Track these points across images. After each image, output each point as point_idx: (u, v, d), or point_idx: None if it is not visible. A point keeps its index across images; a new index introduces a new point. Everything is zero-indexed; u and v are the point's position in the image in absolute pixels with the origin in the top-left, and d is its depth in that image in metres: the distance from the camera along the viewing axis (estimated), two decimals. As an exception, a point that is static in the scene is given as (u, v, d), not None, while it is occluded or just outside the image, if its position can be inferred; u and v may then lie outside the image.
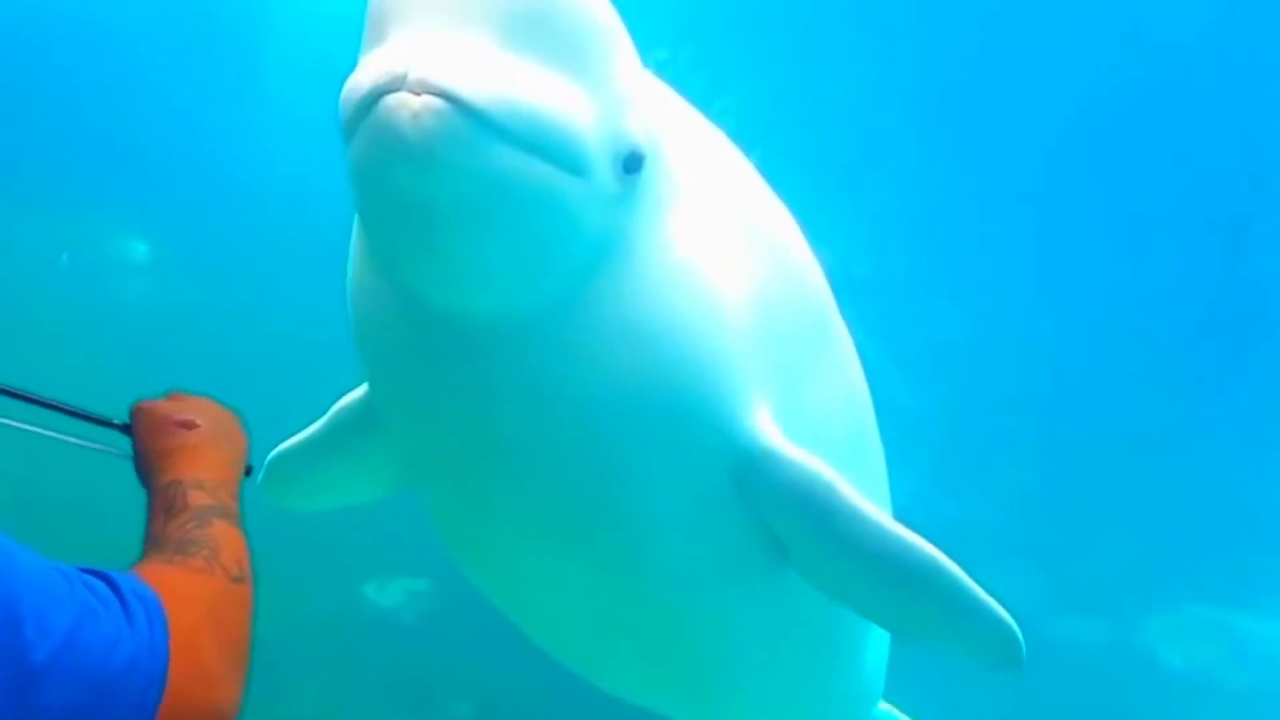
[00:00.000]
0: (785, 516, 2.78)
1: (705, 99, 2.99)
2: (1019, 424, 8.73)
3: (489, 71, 2.22)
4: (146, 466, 2.10)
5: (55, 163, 8.08)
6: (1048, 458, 8.63)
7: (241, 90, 8.90)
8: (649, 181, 2.49)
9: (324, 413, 3.31)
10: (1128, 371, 8.73)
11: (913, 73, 8.92)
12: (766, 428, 2.71)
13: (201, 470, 2.04)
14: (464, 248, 2.34)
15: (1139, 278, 8.93)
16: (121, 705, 1.62)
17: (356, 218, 2.62)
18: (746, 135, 3.04)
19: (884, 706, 4.06)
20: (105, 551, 1.92)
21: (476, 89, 2.19)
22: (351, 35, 2.46)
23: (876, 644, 3.63)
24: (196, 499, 1.98)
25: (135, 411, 2.18)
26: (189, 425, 2.12)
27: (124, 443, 2.17)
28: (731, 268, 2.66)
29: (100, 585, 1.67)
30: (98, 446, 2.17)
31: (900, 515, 2.94)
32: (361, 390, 3.17)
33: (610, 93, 2.38)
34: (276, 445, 3.42)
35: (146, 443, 2.12)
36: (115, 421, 2.18)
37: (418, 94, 2.17)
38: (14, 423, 2.04)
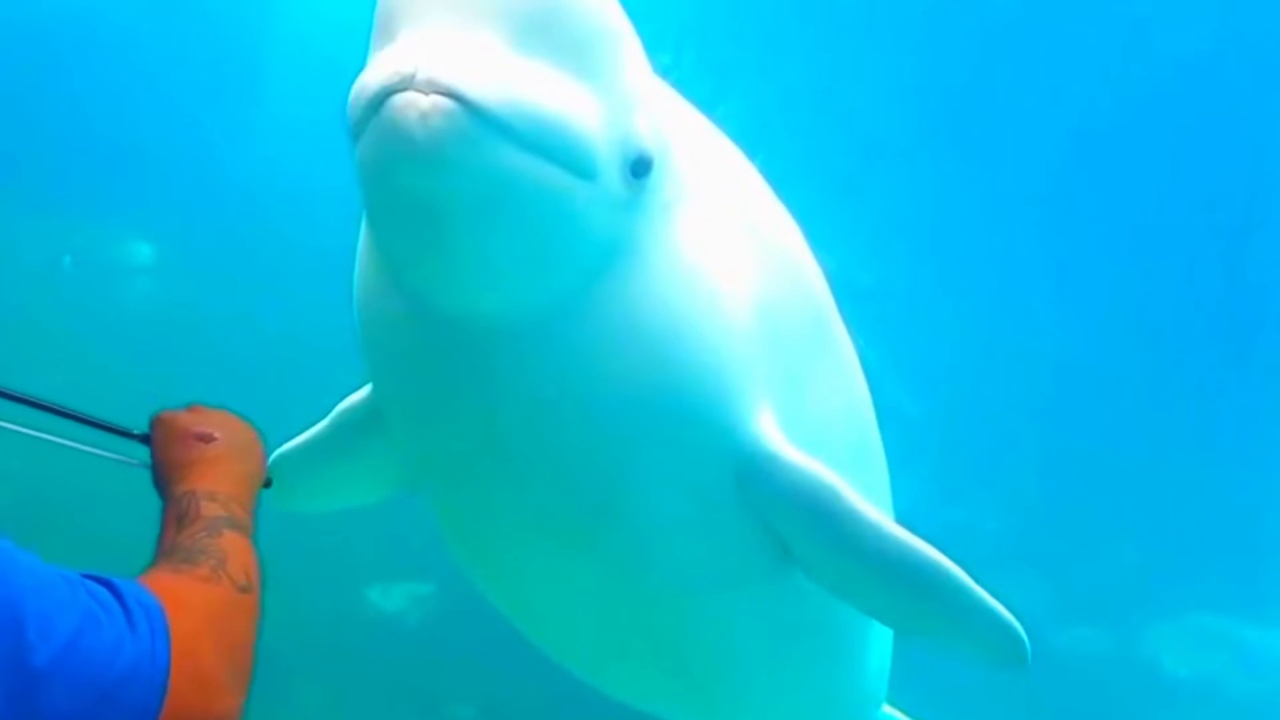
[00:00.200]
0: (788, 520, 2.79)
1: (709, 104, 2.99)
2: (1021, 432, 8.73)
3: (498, 72, 2.22)
4: (164, 477, 2.12)
5: (60, 166, 8.09)
6: (1050, 465, 8.63)
7: (245, 94, 8.91)
8: (656, 185, 2.49)
9: (327, 414, 3.31)
10: (1130, 379, 8.73)
11: (916, 80, 8.93)
12: (770, 432, 2.71)
13: (217, 483, 2.06)
14: (470, 248, 2.33)
15: (1142, 285, 8.94)
16: (122, 710, 1.62)
17: (364, 218, 2.63)
18: (750, 141, 3.04)
19: (887, 710, 4.06)
20: (107, 552, 1.92)
21: (485, 90, 2.19)
22: (355, 40, 2.46)
23: (879, 647, 3.63)
24: (209, 510, 1.99)
25: (155, 422, 2.19)
26: (207, 438, 2.14)
27: (143, 453, 2.19)
28: (736, 272, 2.66)
29: (103, 591, 1.68)
30: (118, 457, 2.19)
31: (903, 521, 2.94)
32: (364, 392, 3.17)
33: (619, 95, 2.38)
34: (279, 447, 3.41)
35: (165, 454, 2.14)
36: (135, 432, 2.20)
37: (426, 94, 2.17)
38: (35, 432, 2.05)
